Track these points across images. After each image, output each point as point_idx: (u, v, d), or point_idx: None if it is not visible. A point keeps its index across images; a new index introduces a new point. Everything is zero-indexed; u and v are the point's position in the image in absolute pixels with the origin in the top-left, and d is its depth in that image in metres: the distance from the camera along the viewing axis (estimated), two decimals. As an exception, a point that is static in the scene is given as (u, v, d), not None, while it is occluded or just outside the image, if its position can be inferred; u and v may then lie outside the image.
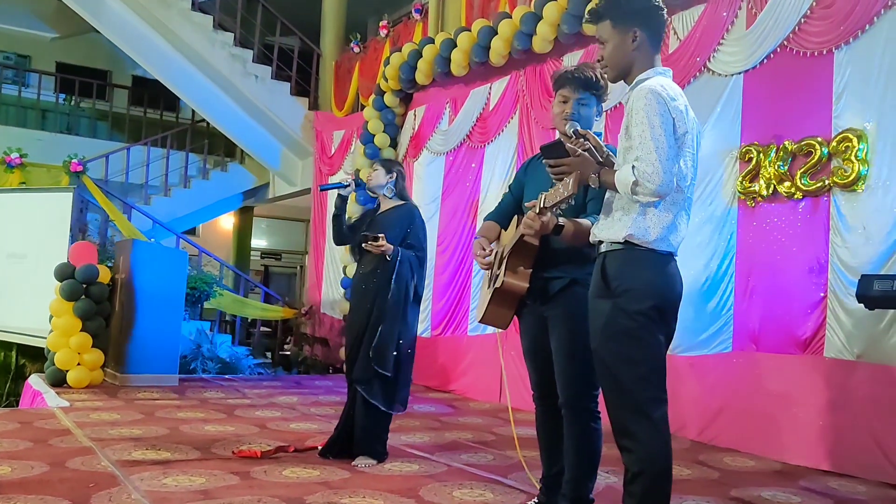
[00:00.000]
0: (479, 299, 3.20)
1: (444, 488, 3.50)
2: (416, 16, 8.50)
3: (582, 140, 2.53)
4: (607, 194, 2.45)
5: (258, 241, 14.80)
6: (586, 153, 2.44)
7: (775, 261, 4.53)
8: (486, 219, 3.19)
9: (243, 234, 13.12)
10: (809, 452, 4.26)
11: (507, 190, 3.19)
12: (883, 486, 3.85)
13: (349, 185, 4.15)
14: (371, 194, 4.28)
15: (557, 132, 2.93)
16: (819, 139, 4.37)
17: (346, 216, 4.26)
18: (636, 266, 2.30)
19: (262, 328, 10.53)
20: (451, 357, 6.98)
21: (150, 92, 12.96)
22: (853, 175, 4.19)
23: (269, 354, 10.31)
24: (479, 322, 3.09)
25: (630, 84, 2.46)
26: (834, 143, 4.30)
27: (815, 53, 4.47)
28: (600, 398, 2.78)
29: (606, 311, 2.31)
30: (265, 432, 4.68)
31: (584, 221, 2.66)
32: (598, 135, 2.57)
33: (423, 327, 7.16)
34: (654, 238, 2.30)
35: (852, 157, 4.20)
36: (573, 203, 2.35)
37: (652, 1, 2.46)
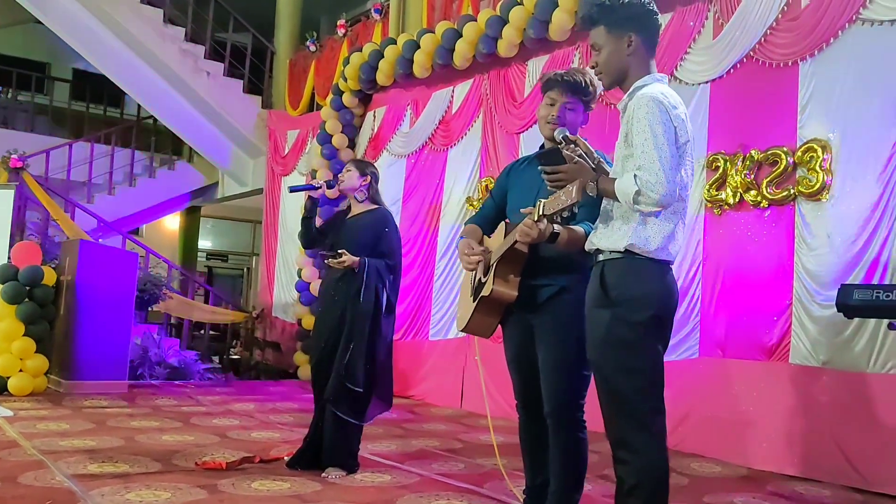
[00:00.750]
0: (460, 308, 3.12)
1: (421, 499, 3.42)
2: (376, 16, 8.39)
3: (572, 146, 2.48)
4: (604, 202, 2.41)
5: (203, 242, 14.43)
6: (580, 159, 2.40)
7: (741, 268, 4.60)
8: (467, 222, 3.13)
9: (190, 234, 12.76)
10: (774, 457, 4.32)
11: (489, 195, 3.13)
12: (846, 490, 3.93)
13: (320, 188, 4.00)
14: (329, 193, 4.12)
15: (544, 138, 2.90)
16: (784, 149, 4.44)
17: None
18: (636, 275, 2.27)
19: (210, 332, 10.25)
20: (411, 362, 6.89)
21: (92, 86, 12.50)
22: (818, 184, 4.28)
23: (217, 359, 10.04)
24: (462, 331, 3.03)
25: (627, 91, 2.42)
26: (799, 153, 4.38)
27: (781, 64, 4.55)
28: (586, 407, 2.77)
29: (606, 320, 2.26)
30: (227, 442, 4.52)
31: (578, 228, 2.61)
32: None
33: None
34: (654, 247, 2.27)
35: (817, 167, 4.29)
36: (575, 211, 2.30)
37: (646, 5, 2.43)
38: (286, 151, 9.26)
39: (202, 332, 10.15)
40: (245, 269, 16.13)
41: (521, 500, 3.04)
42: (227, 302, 10.36)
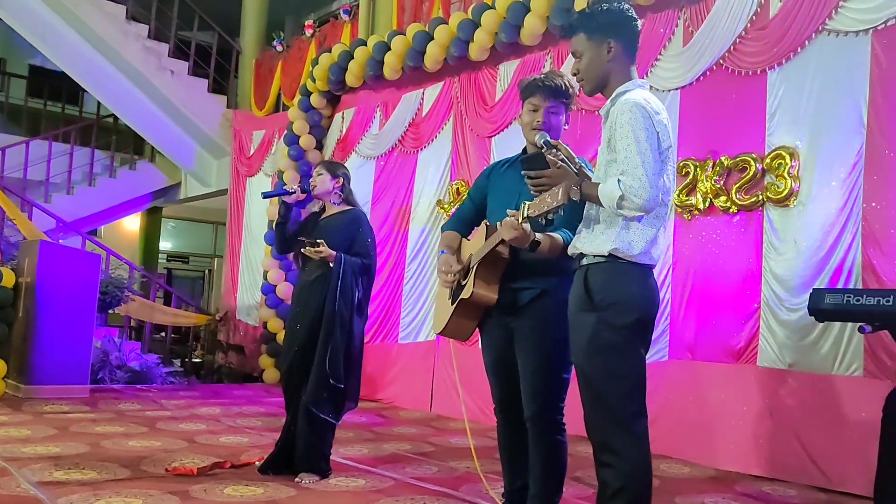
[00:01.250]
0: (437, 311, 3.11)
1: (397, 503, 3.40)
2: (345, 17, 8.34)
3: (554, 150, 2.50)
4: (588, 207, 2.43)
5: (163, 244, 14.18)
6: (563, 163, 2.42)
7: (711, 273, 4.67)
8: (444, 228, 3.11)
9: (151, 235, 12.52)
10: (742, 458, 4.39)
11: (468, 197, 3.12)
12: (812, 490, 4.02)
13: (294, 193, 3.95)
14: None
15: (526, 142, 2.91)
16: (753, 155, 4.53)
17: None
18: (621, 279, 2.29)
19: (172, 335, 10.07)
20: (379, 365, 6.85)
21: (50, 83, 12.19)
22: (785, 191, 4.36)
23: (178, 362, 9.87)
24: (439, 334, 3.02)
25: (609, 97, 2.44)
26: (767, 160, 4.47)
27: (750, 73, 4.63)
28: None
29: (591, 324, 2.28)
30: (195, 447, 4.44)
31: (557, 236, 2.63)
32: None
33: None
34: (637, 252, 2.29)
35: (785, 174, 4.38)
36: (561, 213, 2.31)
37: (625, 11, 2.46)
38: (251, 152, 9.15)
39: (163, 335, 9.97)
40: (206, 271, 15.90)
41: (500, 503, 3.04)
42: (190, 304, 10.18)
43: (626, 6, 2.46)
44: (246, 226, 9.09)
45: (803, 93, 4.39)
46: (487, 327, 2.90)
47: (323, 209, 4.01)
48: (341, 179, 3.94)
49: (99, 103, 10.84)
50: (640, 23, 2.51)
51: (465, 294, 2.78)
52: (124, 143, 11.22)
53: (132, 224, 13.04)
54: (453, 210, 6.18)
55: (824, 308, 3.00)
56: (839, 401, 4.07)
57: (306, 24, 8.94)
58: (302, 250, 3.79)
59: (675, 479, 4.18)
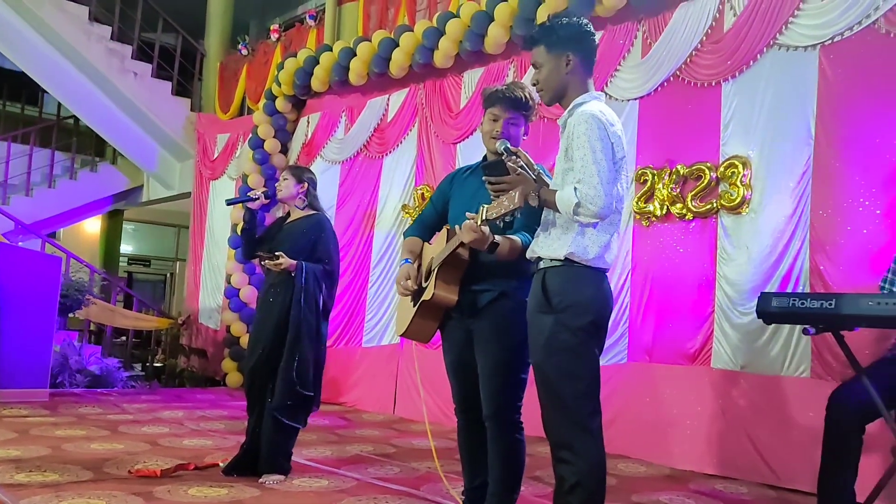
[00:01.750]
0: (399, 314, 3.18)
1: (360, 502, 3.46)
2: (311, 22, 8.37)
3: (514, 157, 2.59)
4: (545, 213, 2.52)
5: (124, 246, 14.01)
6: (523, 170, 2.51)
7: (668, 277, 4.81)
8: (406, 234, 3.19)
9: (111, 238, 12.37)
10: (696, 457, 4.53)
11: (430, 202, 3.20)
12: (762, 487, 4.17)
13: (258, 199, 4.00)
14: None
15: (488, 151, 2.99)
16: (708, 164, 4.68)
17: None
18: (576, 283, 2.38)
19: (133, 339, 9.97)
20: (343, 369, 6.89)
21: (9, 83, 12.00)
22: (738, 199, 4.52)
23: (139, 366, 9.78)
24: (401, 336, 3.09)
25: (566, 107, 2.55)
26: (721, 169, 4.62)
27: (705, 84, 4.79)
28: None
29: (548, 326, 2.37)
30: (158, 449, 4.44)
31: (515, 238, 2.72)
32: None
33: (315, 338, 7.04)
34: (592, 256, 2.39)
35: (738, 182, 4.53)
36: (517, 216, 2.40)
37: (583, 27, 2.57)
38: (215, 155, 9.12)
39: (124, 338, 9.87)
40: (168, 275, 15.75)
41: (460, 501, 3.12)
42: (152, 308, 10.09)
43: (585, 22, 2.57)
44: (209, 229, 9.05)
45: (755, 104, 4.56)
46: (448, 329, 2.98)
47: (288, 214, 4.07)
48: (306, 185, 3.99)
49: (59, 104, 10.70)
50: (597, 37, 2.62)
51: (426, 296, 2.86)
52: (85, 144, 11.09)
53: (92, 226, 12.87)
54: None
55: (771, 311, 3.13)
56: (788, 401, 4.22)
57: (272, 28, 8.94)
58: (261, 263, 3.85)
59: (632, 477, 4.30)
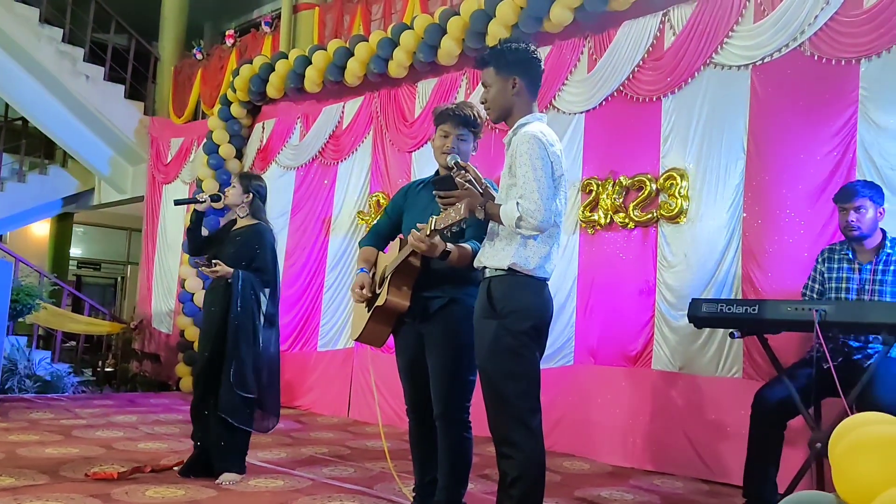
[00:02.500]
0: (354, 319, 3.34)
1: (315, 501, 3.59)
2: (266, 28, 8.44)
3: (463, 172, 2.77)
4: (491, 225, 2.70)
5: (73, 250, 13.81)
6: (470, 185, 2.69)
7: (611, 284, 5.03)
8: (361, 244, 3.35)
9: (61, 242, 12.20)
10: (637, 454, 4.77)
11: (384, 213, 3.36)
12: (697, 481, 4.41)
13: (205, 202, 4.16)
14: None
15: (438, 165, 3.17)
16: (649, 176, 4.92)
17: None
18: (518, 291, 2.57)
19: (83, 344, 9.87)
20: (298, 373, 6.98)
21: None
22: (677, 209, 4.77)
23: (89, 371, 9.67)
24: (355, 340, 3.24)
25: (511, 126, 2.73)
26: (661, 180, 4.87)
27: (646, 99, 5.03)
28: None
29: (492, 330, 2.55)
30: (114, 453, 4.49)
31: (466, 246, 2.89)
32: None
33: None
34: (533, 266, 2.57)
35: (676, 193, 4.78)
36: (463, 227, 2.58)
37: (531, 53, 2.75)
38: (169, 159, 9.11)
39: (73, 343, 9.76)
40: (118, 278, 15.56)
41: (411, 498, 3.27)
42: (104, 312, 10.01)
43: (533, 49, 2.76)
44: (161, 233, 9.03)
45: (692, 119, 4.81)
46: (401, 333, 3.14)
47: (235, 220, 4.23)
48: (251, 195, 4.14)
49: (7, 105, 10.54)
50: (543, 64, 2.80)
51: (379, 302, 3.02)
52: (34, 146, 10.93)
53: (41, 230, 12.68)
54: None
55: (701, 316, 3.36)
56: (721, 400, 4.47)
57: (227, 33, 8.98)
58: (200, 268, 3.99)
59: (576, 474, 4.51)
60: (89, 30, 9.73)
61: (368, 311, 3.12)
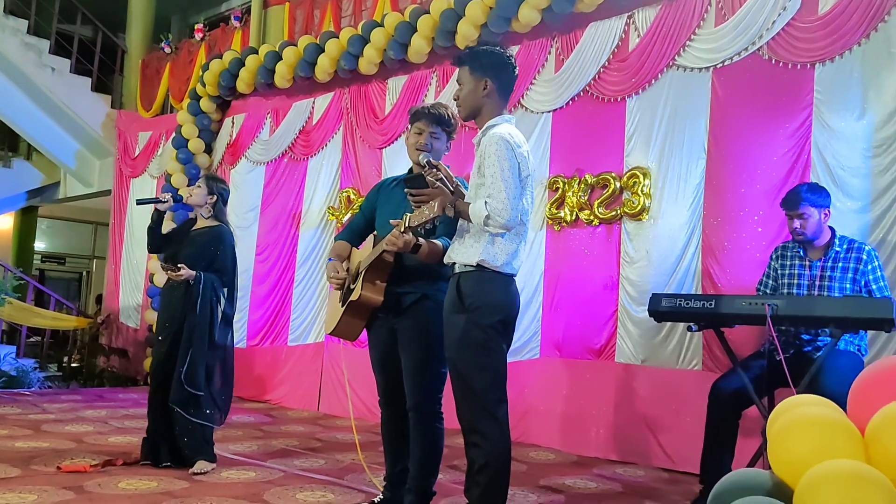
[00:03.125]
0: (329, 313, 3.42)
1: (287, 492, 3.66)
2: (236, 23, 8.44)
3: (434, 170, 2.86)
4: (460, 222, 2.80)
5: (38, 244, 13.64)
6: (441, 184, 2.78)
7: (576, 279, 5.17)
8: (337, 238, 3.44)
9: (25, 235, 12.06)
10: (601, 445, 4.91)
11: (359, 211, 3.45)
12: (658, 470, 4.57)
13: (167, 202, 4.25)
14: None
15: (411, 161, 3.26)
16: (613, 174, 5.06)
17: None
18: (486, 286, 2.67)
19: (48, 338, 9.78)
20: (268, 367, 7.03)
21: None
22: (640, 206, 4.92)
23: (55, 367, 9.59)
24: (329, 334, 3.33)
25: (481, 127, 2.83)
26: (625, 179, 5.01)
27: (612, 100, 5.17)
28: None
29: (461, 324, 2.65)
30: (85, 446, 4.52)
31: (437, 242, 2.99)
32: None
33: (239, 337, 7.15)
34: (501, 263, 2.68)
35: (639, 191, 4.93)
36: (436, 224, 2.68)
37: (506, 58, 2.85)
38: (136, 153, 9.07)
39: (40, 338, 9.67)
40: (84, 273, 15.39)
41: (381, 487, 3.36)
42: (70, 307, 9.92)
43: (509, 54, 2.86)
44: (129, 227, 8.99)
45: (655, 120, 4.96)
46: (375, 327, 3.23)
47: (196, 219, 4.33)
48: (215, 197, 4.24)
49: (-31, 97, 10.38)
50: (516, 70, 2.90)
51: (353, 296, 3.10)
52: (-2, 139, 10.80)
53: (4, 223, 12.51)
54: (346, 219, 6.48)
55: (661, 310, 3.50)
56: (682, 392, 4.63)
57: (196, 27, 8.95)
58: (165, 271, 4.08)
59: (542, 464, 4.64)
60: (55, 21, 9.62)
61: (343, 306, 3.21)
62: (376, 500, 3.30)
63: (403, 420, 3.17)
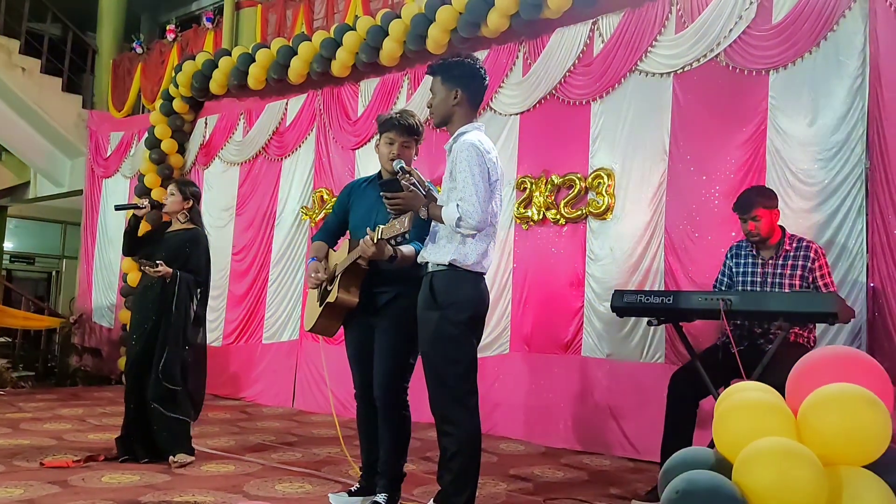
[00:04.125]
0: (308, 311, 3.58)
1: (266, 483, 3.80)
2: (208, 24, 8.50)
3: (408, 175, 3.02)
4: (433, 224, 2.96)
5: (6, 244, 13.50)
6: (414, 188, 2.94)
7: (544, 276, 5.36)
8: (314, 239, 3.60)
9: (-7, 235, 11.97)
10: (568, 436, 5.11)
11: (333, 212, 3.60)
12: (623, 460, 4.77)
13: (145, 208, 4.37)
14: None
15: (382, 167, 3.41)
16: (579, 175, 5.26)
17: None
18: (458, 284, 2.84)
19: (20, 339, 9.73)
20: (243, 365, 7.13)
21: None
22: (604, 206, 5.11)
23: (24, 366, 9.56)
24: (309, 331, 3.49)
25: (452, 133, 2.99)
26: (590, 179, 5.21)
27: (577, 103, 5.36)
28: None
29: (434, 320, 2.82)
30: (66, 443, 4.61)
31: (409, 248, 3.15)
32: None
33: (215, 336, 7.24)
34: (472, 262, 2.85)
35: (603, 192, 5.13)
36: (407, 237, 2.84)
37: (477, 70, 3.01)
38: (108, 153, 9.09)
39: (8, 339, 9.62)
40: (53, 272, 15.27)
41: (359, 475, 3.51)
42: (42, 307, 9.90)
43: (479, 66, 3.02)
44: (101, 227, 9.01)
45: (619, 122, 5.16)
46: (351, 326, 3.38)
47: (170, 222, 4.46)
48: (191, 201, 4.40)
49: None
50: (486, 80, 3.06)
51: (330, 299, 3.26)
52: (-35, 139, 10.70)
53: (-29, 223, 12.39)
54: (319, 219, 6.61)
55: (623, 306, 3.68)
56: (646, 384, 4.82)
57: (168, 28, 8.99)
58: (141, 269, 4.20)
59: (511, 455, 4.82)
60: (24, 21, 9.58)
61: (320, 306, 3.36)
62: (353, 488, 3.45)
63: (378, 411, 3.33)
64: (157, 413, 4.13)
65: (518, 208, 5.49)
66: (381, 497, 3.22)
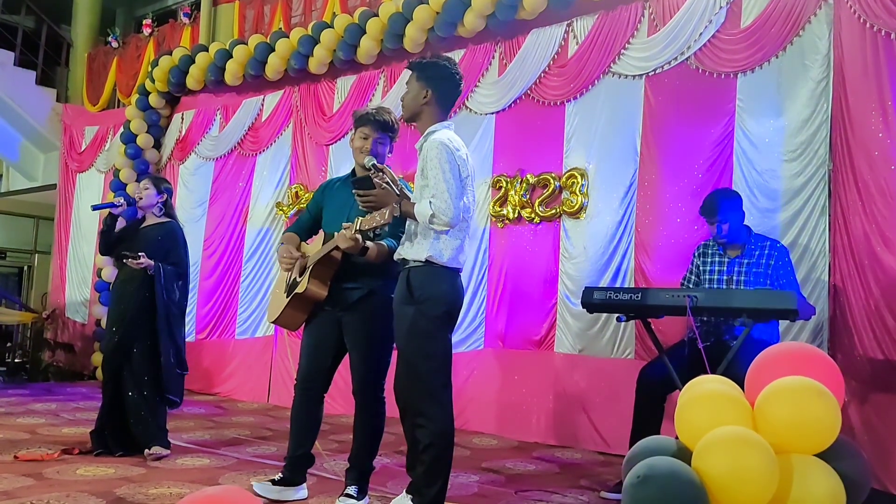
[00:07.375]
0: (272, 302, 3.61)
1: (241, 476, 3.84)
2: (185, 19, 8.48)
3: (380, 174, 3.08)
4: (408, 222, 3.02)
5: (-26, 238, 13.33)
6: (387, 186, 3.00)
7: (518, 273, 5.44)
8: (287, 231, 3.63)
9: (-37, 230, 11.82)
10: (540, 430, 5.20)
11: (306, 209, 3.65)
12: (594, 453, 4.87)
13: (122, 206, 4.42)
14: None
15: (355, 161, 3.46)
16: (553, 174, 5.34)
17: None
18: (434, 280, 2.90)
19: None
20: (216, 360, 7.14)
21: None
22: (577, 205, 5.21)
23: (-1, 361, 9.49)
24: (272, 322, 3.53)
25: (422, 132, 3.06)
26: (564, 179, 5.30)
27: (552, 103, 5.44)
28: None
29: (410, 315, 2.88)
30: (39, 437, 4.61)
31: (383, 244, 3.21)
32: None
33: (188, 331, 7.23)
34: (447, 258, 2.91)
35: (577, 191, 5.22)
36: (386, 230, 2.90)
37: (451, 71, 3.07)
38: (83, 148, 9.02)
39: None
40: (25, 267, 15.09)
41: (281, 473, 3.48)
42: (15, 302, 9.81)
43: (456, 70, 3.08)
44: (75, 222, 8.95)
45: (592, 123, 5.25)
46: (317, 317, 3.41)
47: (144, 218, 4.49)
48: (165, 196, 4.44)
49: None
50: (461, 84, 3.12)
51: (299, 289, 3.30)
52: (-64, 131, 10.56)
53: (-59, 217, 12.23)
54: (291, 214, 6.64)
55: (593, 302, 3.77)
56: (616, 379, 4.92)
57: (145, 23, 8.95)
58: (125, 261, 4.23)
59: (484, 449, 4.90)
60: (-2, 14, 9.50)
61: (287, 297, 3.40)
62: (275, 477, 3.45)
63: (317, 406, 3.42)
64: (134, 405, 4.14)
65: (493, 207, 5.57)
66: (351, 489, 3.28)
